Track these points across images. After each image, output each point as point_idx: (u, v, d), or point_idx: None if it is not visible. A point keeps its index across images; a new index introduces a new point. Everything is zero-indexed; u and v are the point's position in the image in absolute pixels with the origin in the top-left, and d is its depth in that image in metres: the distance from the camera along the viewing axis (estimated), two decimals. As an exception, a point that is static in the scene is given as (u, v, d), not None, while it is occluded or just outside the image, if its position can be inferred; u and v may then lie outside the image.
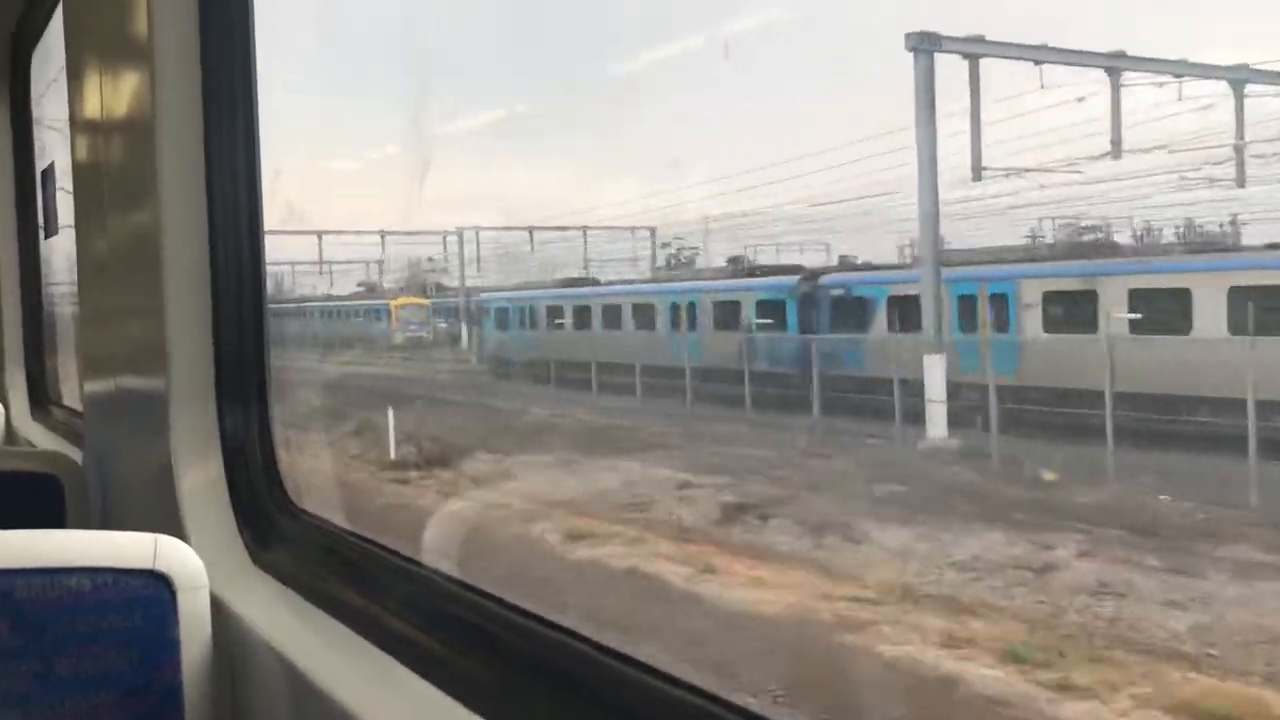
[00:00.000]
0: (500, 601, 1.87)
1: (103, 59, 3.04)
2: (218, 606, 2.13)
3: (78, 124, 3.31)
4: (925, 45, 15.47)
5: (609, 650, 1.62)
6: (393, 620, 2.01)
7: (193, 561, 2.09)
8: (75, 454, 3.63)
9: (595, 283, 30.38)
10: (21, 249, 5.48)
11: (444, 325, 36.57)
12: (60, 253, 5.85)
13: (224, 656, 2.12)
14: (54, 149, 5.99)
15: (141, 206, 2.70)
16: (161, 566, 2.06)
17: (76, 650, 2.02)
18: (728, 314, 22.95)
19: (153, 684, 2.05)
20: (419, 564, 2.21)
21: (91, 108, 3.13)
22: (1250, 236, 17.03)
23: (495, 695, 1.67)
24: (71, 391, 6.17)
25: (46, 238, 5.46)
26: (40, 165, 5.44)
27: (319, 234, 34.22)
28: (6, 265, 5.48)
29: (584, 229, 32.08)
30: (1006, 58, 15.99)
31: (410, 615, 1.99)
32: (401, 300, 38.98)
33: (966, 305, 17.64)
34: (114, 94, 2.93)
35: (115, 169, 3.01)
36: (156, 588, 2.05)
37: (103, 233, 3.14)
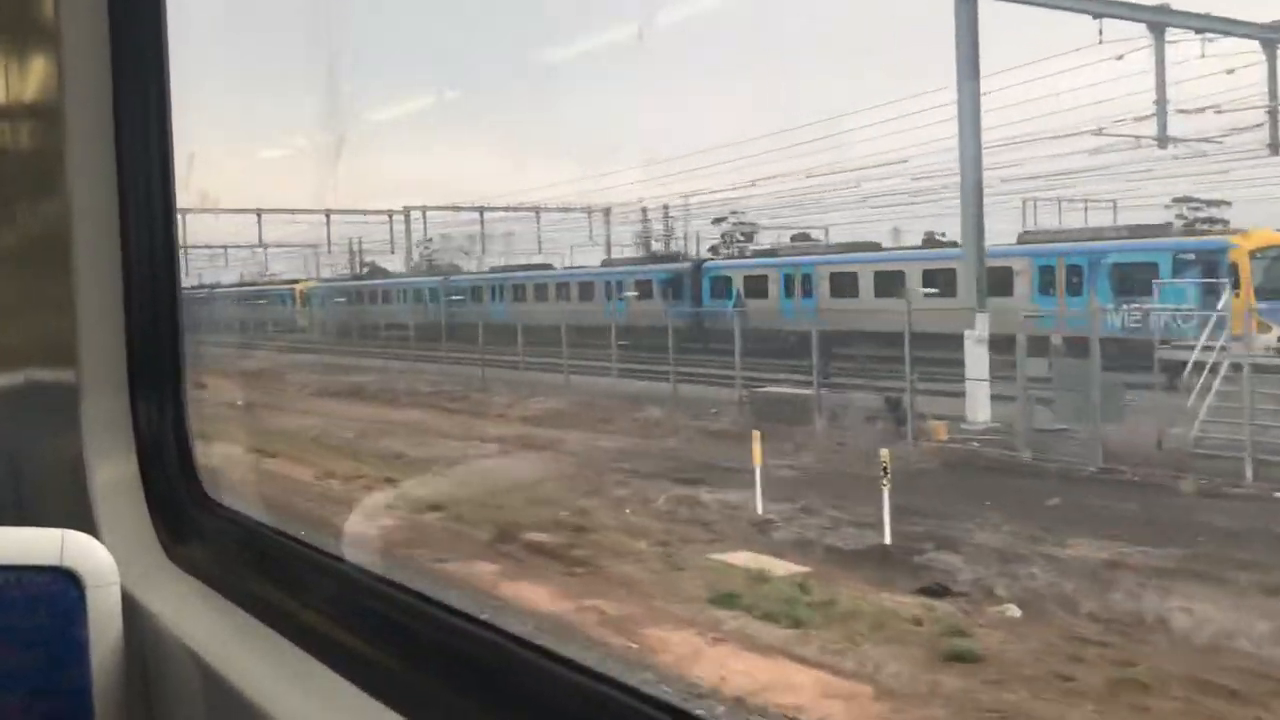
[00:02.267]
0: (417, 595, 1.84)
1: (6, 42, 2.93)
2: (130, 604, 2.07)
3: None
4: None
5: (527, 643, 1.61)
6: (309, 616, 1.97)
7: (102, 557, 2.02)
8: None
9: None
10: None
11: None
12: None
13: (136, 655, 2.06)
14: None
15: (49, 194, 2.61)
16: (69, 563, 1.99)
17: None
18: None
19: (61, 684, 1.99)
20: (337, 558, 2.17)
21: None
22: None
23: (412, 690, 1.65)
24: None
25: None
26: None
27: (258, 212, 36.45)
28: None
29: (481, 211, 36.21)
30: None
31: (327, 610, 1.96)
32: (303, 284, 41.82)
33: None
34: (19, 77, 2.83)
35: (21, 155, 2.91)
36: (64, 584, 1.98)
37: (8, 221, 3.04)
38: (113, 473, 2.47)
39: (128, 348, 2.49)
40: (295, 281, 42.64)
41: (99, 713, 2.00)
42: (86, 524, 2.30)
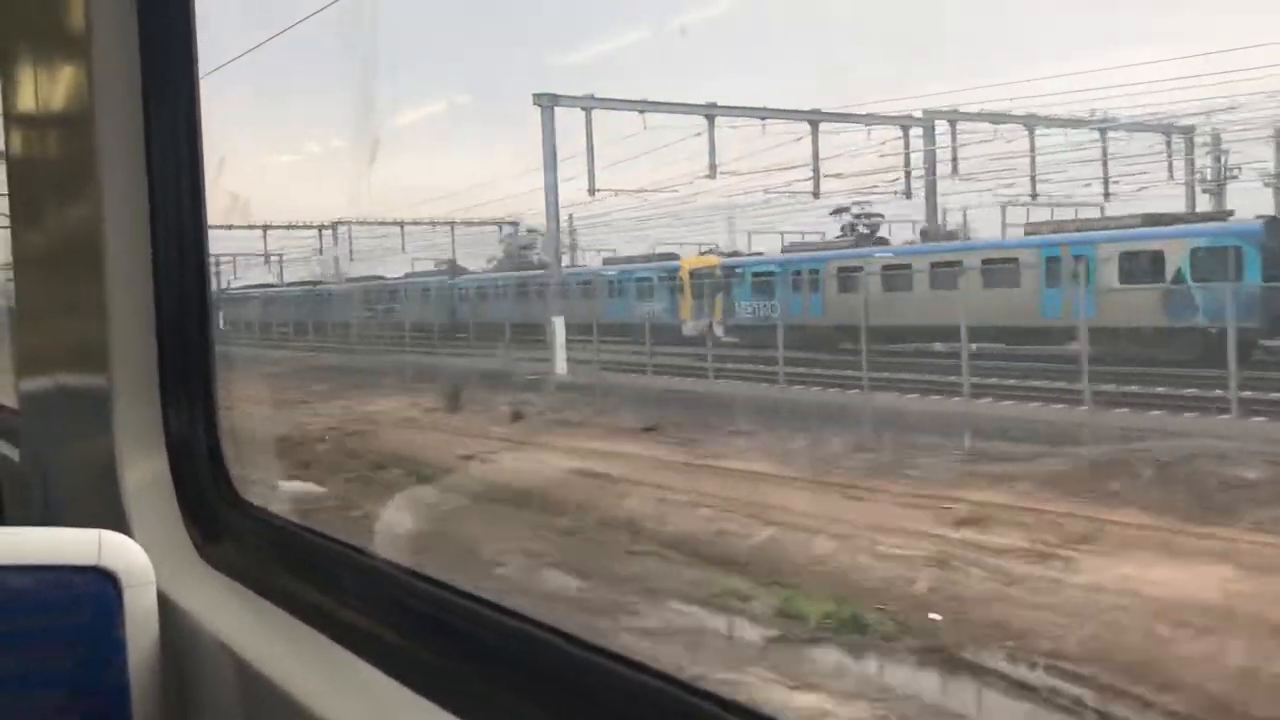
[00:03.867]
0: (450, 589, 1.87)
1: (38, 50, 2.98)
2: (164, 602, 2.10)
3: (11, 117, 3.25)
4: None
5: (568, 636, 1.63)
6: (343, 612, 2.00)
7: (139, 557, 2.06)
8: (13, 452, 3.57)
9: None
10: None
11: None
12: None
13: (171, 653, 2.10)
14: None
15: (81, 201, 2.66)
16: (106, 563, 2.03)
17: (20, 649, 1.99)
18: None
19: (99, 682, 2.02)
20: (369, 555, 2.21)
21: (26, 100, 3.07)
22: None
23: (451, 684, 1.67)
24: (6, 391, 6.05)
25: None
26: None
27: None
28: None
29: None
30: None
31: (361, 606, 1.99)
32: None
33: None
34: (50, 86, 2.87)
35: (52, 163, 2.96)
36: (101, 584, 2.02)
37: (40, 228, 3.09)
38: (144, 474, 2.51)
39: (159, 351, 2.53)
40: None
41: (137, 710, 2.04)
42: (119, 525, 2.35)
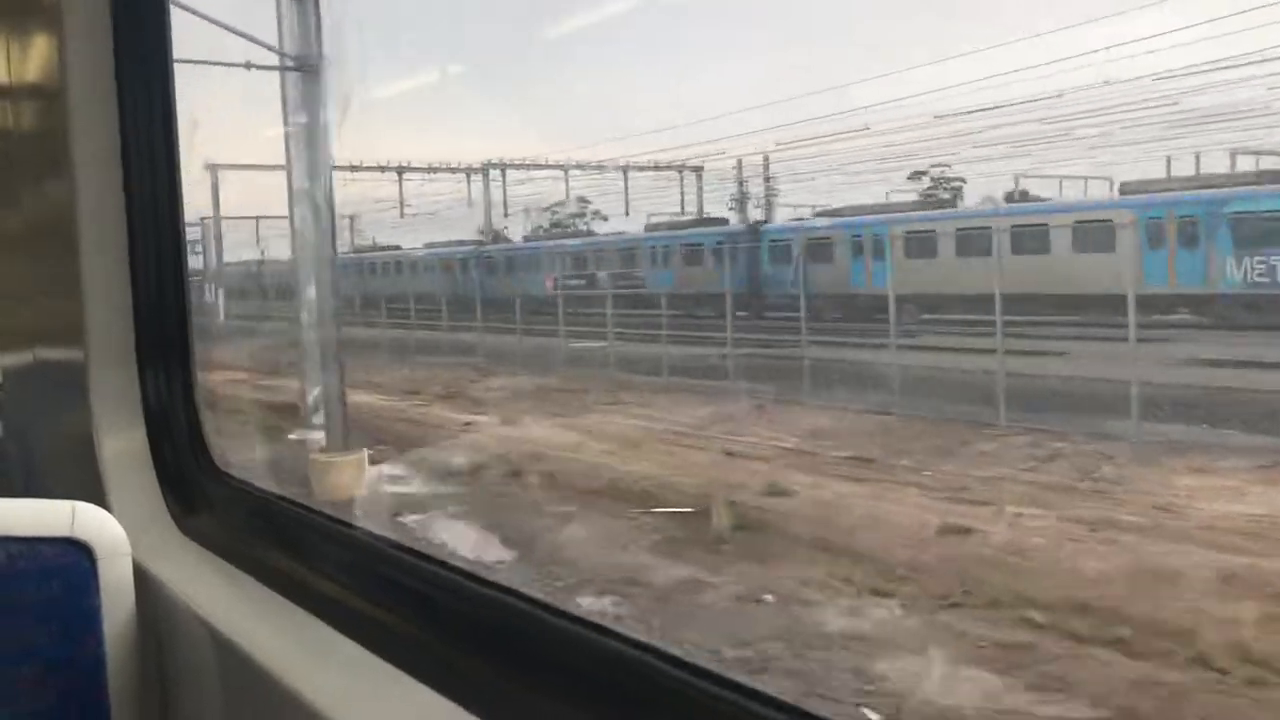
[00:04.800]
0: (429, 559, 1.88)
1: (9, 23, 2.96)
2: (141, 574, 2.10)
3: None
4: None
5: (548, 607, 1.63)
6: (322, 583, 2.00)
7: (113, 528, 2.05)
8: None
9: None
10: None
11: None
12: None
13: (148, 625, 2.10)
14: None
15: (54, 175, 2.65)
16: (80, 534, 2.01)
17: None
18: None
19: (75, 655, 2.02)
20: (348, 525, 2.21)
21: None
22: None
23: (428, 656, 1.67)
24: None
25: None
26: None
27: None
28: None
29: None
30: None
31: (340, 578, 1.99)
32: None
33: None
34: (21, 59, 2.86)
35: (26, 137, 2.94)
36: (75, 556, 2.01)
37: (13, 203, 3.07)
38: (122, 446, 2.51)
39: (135, 325, 2.53)
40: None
41: (113, 683, 2.04)
42: (97, 497, 2.35)
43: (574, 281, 27.25)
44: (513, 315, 24.85)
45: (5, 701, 1.98)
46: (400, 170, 28.48)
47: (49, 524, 2.02)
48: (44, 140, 2.72)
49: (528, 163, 29.03)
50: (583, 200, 30.96)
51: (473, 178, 29.58)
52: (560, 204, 31.20)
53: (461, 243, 31.46)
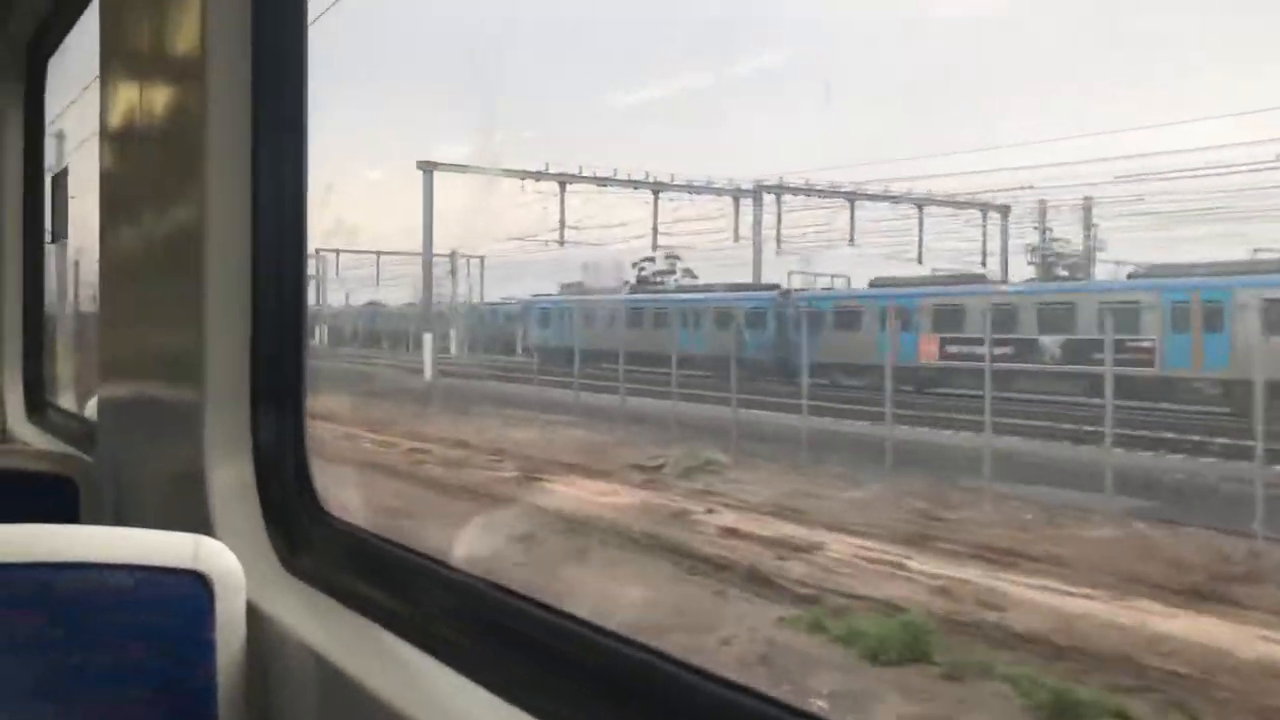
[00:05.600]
0: (524, 598, 1.93)
1: (144, 67, 3.07)
2: (250, 608, 2.14)
3: (109, 130, 3.33)
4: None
5: (646, 648, 1.67)
6: (421, 618, 2.06)
7: (232, 563, 2.10)
8: (85, 457, 3.63)
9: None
10: (26, 254, 5.48)
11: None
12: (61, 260, 5.85)
13: (258, 657, 2.13)
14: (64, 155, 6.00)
15: (184, 213, 2.72)
16: (201, 567, 2.07)
17: (114, 645, 2.03)
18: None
19: (187, 682, 2.06)
20: (446, 566, 2.25)
21: (128, 114, 3.15)
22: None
23: (534, 689, 1.72)
24: (67, 396, 6.15)
25: (52, 241, 5.46)
26: (50, 171, 5.46)
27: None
28: (10, 270, 5.47)
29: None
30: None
31: (437, 613, 2.05)
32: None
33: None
34: (157, 102, 2.95)
35: (154, 176, 3.03)
36: (195, 587, 2.06)
37: (134, 238, 3.15)
38: (231, 482, 2.55)
39: (252, 362, 2.58)
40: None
41: (223, 711, 2.07)
42: (203, 531, 2.39)
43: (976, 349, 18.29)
44: (847, 391, 18.74)
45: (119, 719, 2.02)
46: (656, 189, 24.25)
47: (174, 555, 2.07)
48: (177, 179, 2.80)
49: (805, 187, 23.41)
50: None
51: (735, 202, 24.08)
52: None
53: (740, 286, 25.33)
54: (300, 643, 2.11)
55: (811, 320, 21.74)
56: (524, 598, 1.95)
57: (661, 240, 25.59)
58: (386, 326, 36.77)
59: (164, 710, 2.04)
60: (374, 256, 31.95)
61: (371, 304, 37.27)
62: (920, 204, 22.57)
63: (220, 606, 2.07)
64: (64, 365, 6.50)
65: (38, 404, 5.49)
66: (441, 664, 1.88)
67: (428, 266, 27.48)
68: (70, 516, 3.05)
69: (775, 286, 24.55)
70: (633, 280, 29.06)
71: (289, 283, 2.59)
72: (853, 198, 23.10)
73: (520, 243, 27.21)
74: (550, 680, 1.73)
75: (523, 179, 24.15)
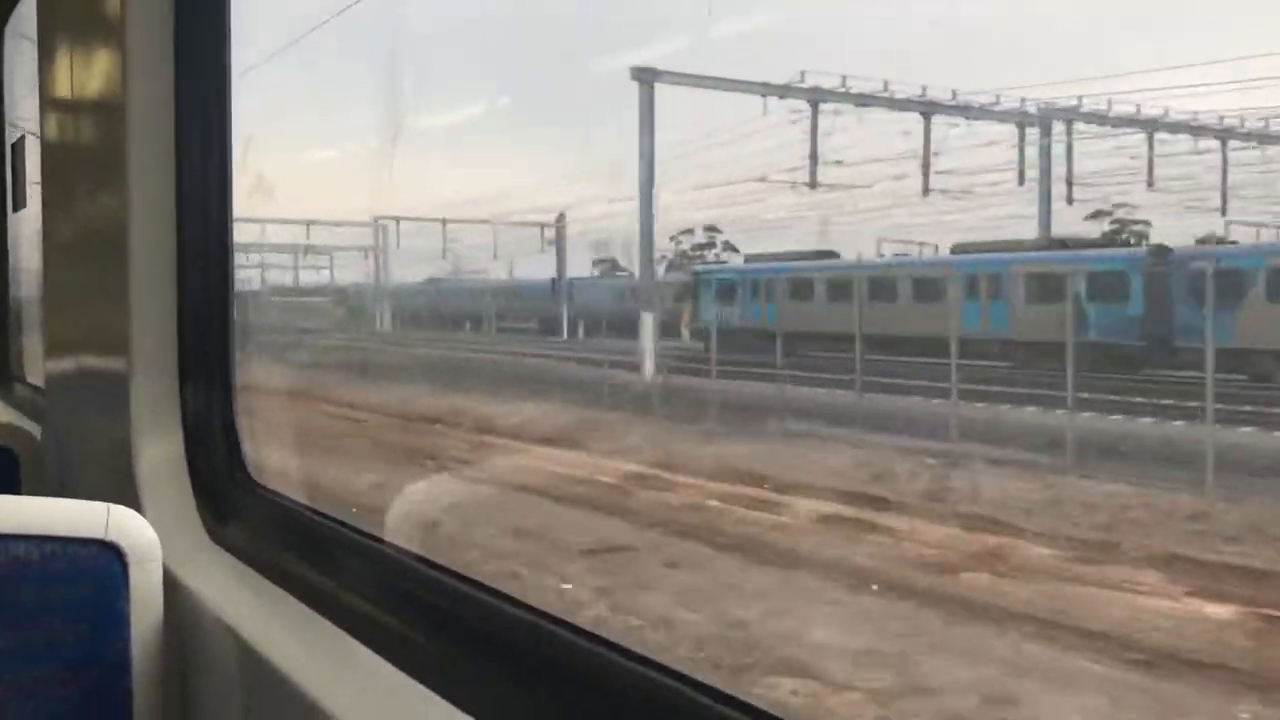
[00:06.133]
0: (461, 578, 1.90)
1: (74, 36, 3.04)
2: (170, 581, 2.13)
3: (47, 102, 3.32)
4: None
5: (579, 630, 1.64)
6: (351, 598, 2.02)
7: (146, 533, 2.09)
8: (36, 430, 3.63)
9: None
10: None
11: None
12: (26, 234, 5.83)
13: (175, 630, 2.13)
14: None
15: (109, 188, 2.71)
16: (113, 537, 2.05)
17: (22, 621, 2.00)
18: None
19: (100, 657, 2.04)
20: (380, 541, 2.23)
21: (61, 86, 3.14)
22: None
23: (453, 673, 1.68)
24: (34, 369, 6.15)
25: (15, 210, 5.45)
26: (9, 139, 5.43)
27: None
28: None
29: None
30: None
31: (370, 593, 2.01)
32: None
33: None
34: (84, 72, 2.94)
35: (83, 150, 3.02)
36: (107, 558, 2.04)
37: (69, 214, 3.15)
38: (158, 454, 2.56)
39: (179, 337, 2.58)
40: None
41: (138, 685, 2.07)
42: (131, 502, 2.38)
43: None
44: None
45: (29, 696, 2.01)
46: (926, 111, 17.53)
47: (84, 525, 2.05)
48: (102, 154, 2.79)
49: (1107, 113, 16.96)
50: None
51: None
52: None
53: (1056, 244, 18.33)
54: (219, 619, 2.09)
55: (1226, 287, 14.28)
56: (457, 575, 1.92)
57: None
58: (479, 306, 31.85)
59: (78, 685, 2.03)
60: (439, 225, 28.05)
61: (433, 280, 33.19)
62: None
63: (135, 578, 2.05)
64: (32, 338, 6.48)
65: (3, 378, 5.49)
66: (364, 646, 1.84)
67: (648, 223, 19.63)
68: (11, 488, 3.06)
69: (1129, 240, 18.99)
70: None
71: (215, 260, 2.59)
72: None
73: (757, 186, 19.80)
74: (480, 669, 1.69)
75: (764, 95, 17.69)
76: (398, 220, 28.48)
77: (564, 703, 1.56)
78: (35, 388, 5.43)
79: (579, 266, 29.25)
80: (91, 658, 2.04)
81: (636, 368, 19.98)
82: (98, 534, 2.04)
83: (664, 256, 24.86)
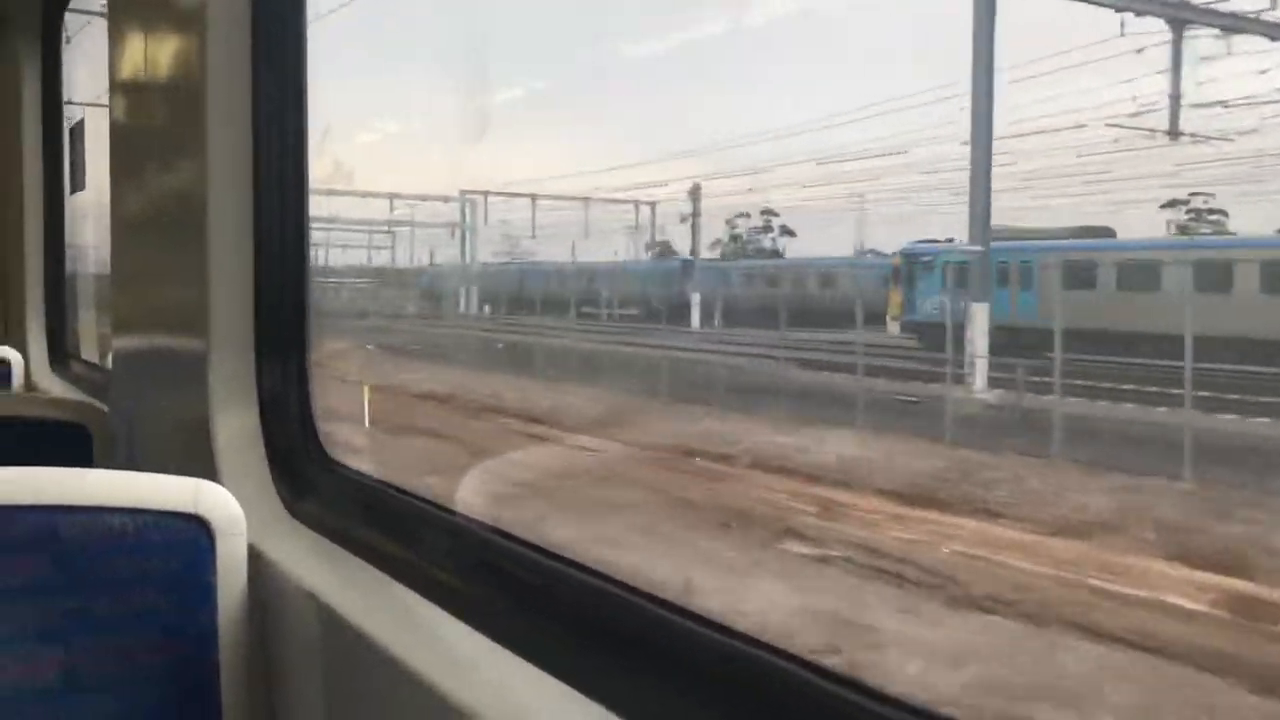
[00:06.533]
0: (536, 548, 1.94)
1: (149, 17, 3.09)
2: (252, 552, 2.19)
3: (118, 83, 3.36)
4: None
5: (651, 597, 1.67)
6: (423, 564, 2.08)
7: (232, 507, 2.15)
8: (103, 406, 3.70)
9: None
10: (48, 206, 5.54)
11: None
12: (82, 212, 5.92)
13: (258, 600, 2.19)
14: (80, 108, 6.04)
15: (186, 166, 2.76)
16: (202, 511, 2.12)
17: (116, 590, 2.07)
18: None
19: (189, 626, 2.11)
20: (450, 512, 2.28)
21: (135, 67, 3.18)
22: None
23: (530, 634, 1.74)
24: (89, 346, 6.25)
25: (72, 193, 5.53)
26: (69, 123, 5.51)
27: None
28: (31, 221, 5.54)
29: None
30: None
31: (446, 561, 2.06)
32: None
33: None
34: (160, 53, 2.98)
35: (158, 128, 3.06)
36: (196, 532, 2.11)
37: (141, 193, 3.20)
38: (235, 430, 2.61)
39: (255, 314, 2.62)
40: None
41: (224, 654, 2.13)
42: (209, 477, 2.44)
43: None
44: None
45: (122, 663, 2.07)
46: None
47: (175, 499, 2.11)
48: (179, 132, 2.84)
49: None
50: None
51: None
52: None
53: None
54: (300, 586, 2.15)
55: None
56: (532, 545, 1.96)
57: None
58: (588, 289, 28.55)
59: (166, 653, 2.10)
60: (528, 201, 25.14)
61: (508, 260, 30.45)
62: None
63: (221, 550, 2.12)
64: (87, 316, 6.59)
65: (60, 355, 5.58)
66: (442, 610, 1.90)
67: (983, 162, 13.74)
68: (84, 464, 3.12)
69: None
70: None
71: (291, 237, 2.63)
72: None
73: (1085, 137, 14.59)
74: (554, 628, 1.74)
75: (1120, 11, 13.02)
76: (485, 195, 25.80)
77: (636, 668, 1.60)
78: (90, 364, 5.52)
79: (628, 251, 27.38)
80: (182, 627, 2.10)
81: (937, 378, 14.59)
82: (188, 508, 2.10)
83: (718, 241, 23.00)
